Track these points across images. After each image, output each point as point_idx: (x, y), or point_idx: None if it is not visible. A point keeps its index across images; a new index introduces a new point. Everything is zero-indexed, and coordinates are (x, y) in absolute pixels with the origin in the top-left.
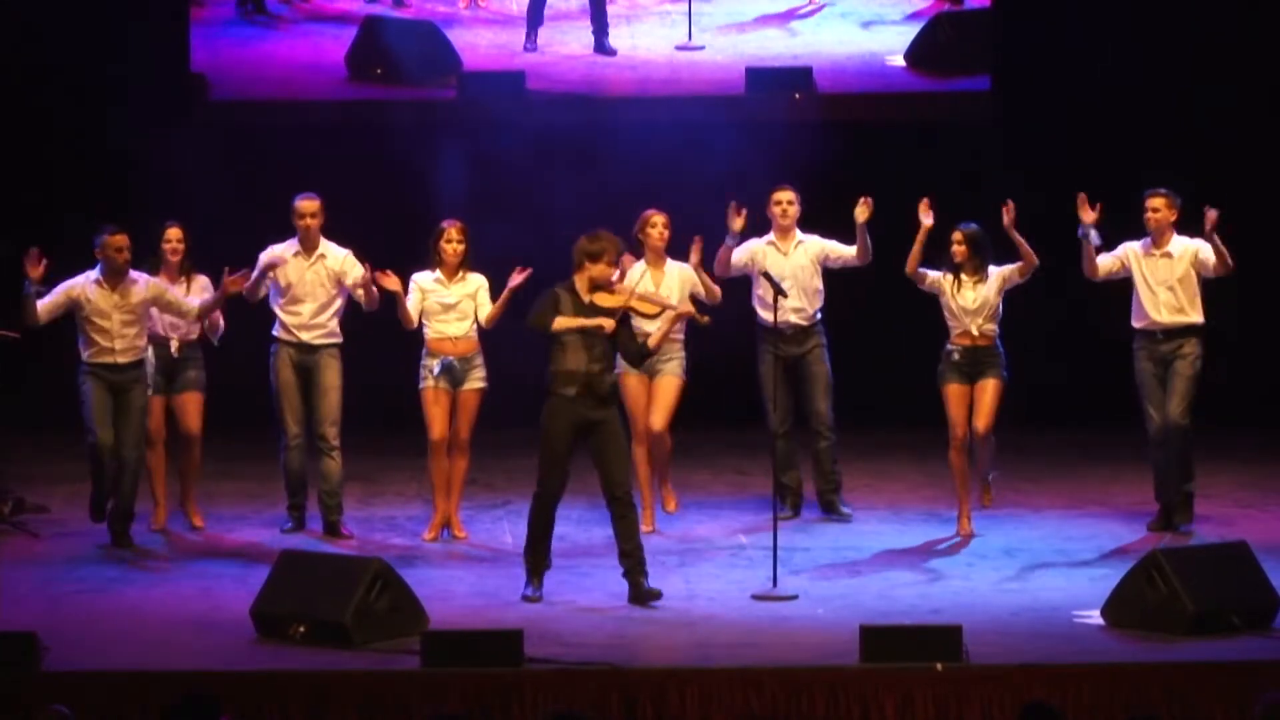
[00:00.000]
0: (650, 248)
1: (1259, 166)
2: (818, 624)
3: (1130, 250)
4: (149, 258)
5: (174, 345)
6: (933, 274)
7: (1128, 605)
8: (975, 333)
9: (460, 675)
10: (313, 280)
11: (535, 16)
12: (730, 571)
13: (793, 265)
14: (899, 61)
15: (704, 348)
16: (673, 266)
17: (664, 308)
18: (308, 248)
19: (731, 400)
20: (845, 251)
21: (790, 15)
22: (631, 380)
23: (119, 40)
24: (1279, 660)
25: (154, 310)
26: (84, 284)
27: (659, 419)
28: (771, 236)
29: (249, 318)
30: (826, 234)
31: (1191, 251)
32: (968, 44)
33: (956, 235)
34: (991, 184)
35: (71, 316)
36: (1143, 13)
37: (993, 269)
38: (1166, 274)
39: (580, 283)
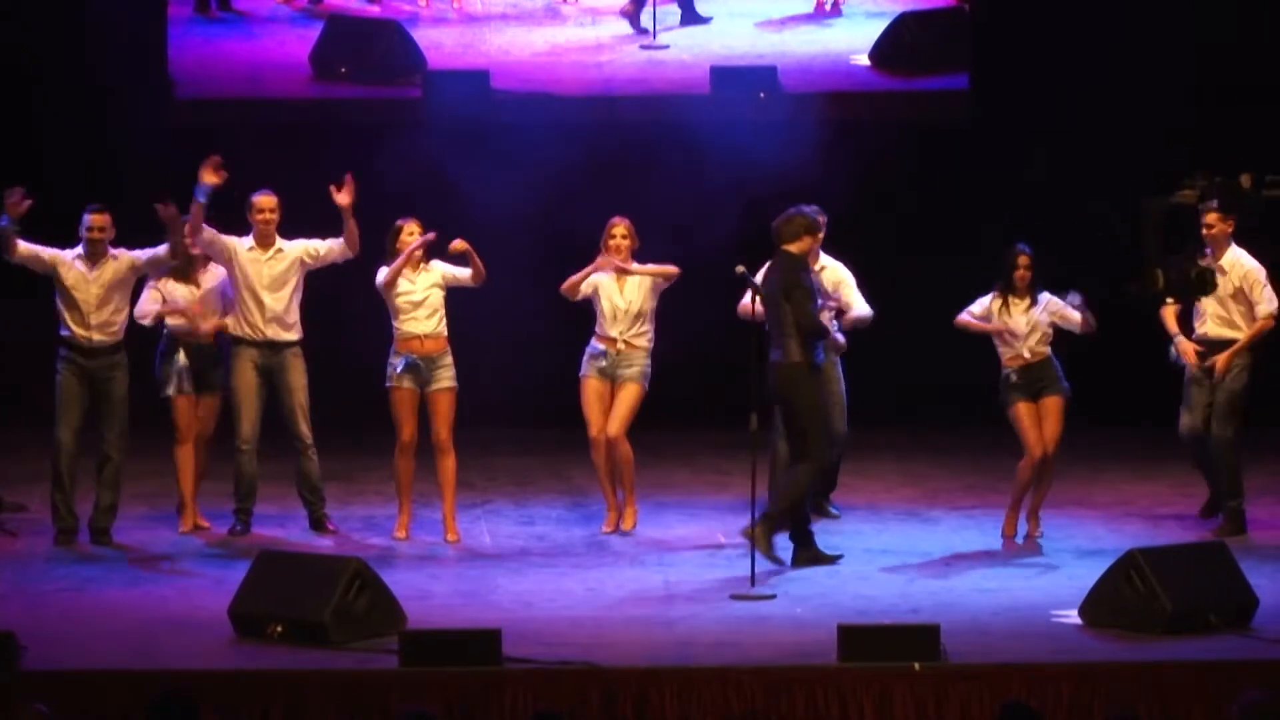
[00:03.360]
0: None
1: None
2: (796, 623)
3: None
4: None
5: (206, 334)
6: (979, 310)
7: (1106, 605)
8: (1028, 355)
9: (439, 675)
10: (271, 275)
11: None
12: (709, 571)
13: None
14: (864, 61)
15: (690, 346)
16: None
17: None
18: (264, 244)
19: (712, 400)
20: (851, 306)
21: (758, 13)
22: (593, 383)
23: (96, 37)
24: (1257, 660)
25: (176, 298)
26: (67, 257)
27: (616, 425)
28: None
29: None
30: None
31: (1242, 273)
32: (933, 43)
33: (1023, 259)
34: (968, 183)
35: (52, 313)
36: (1132, 9)
37: (1045, 295)
38: (1219, 288)
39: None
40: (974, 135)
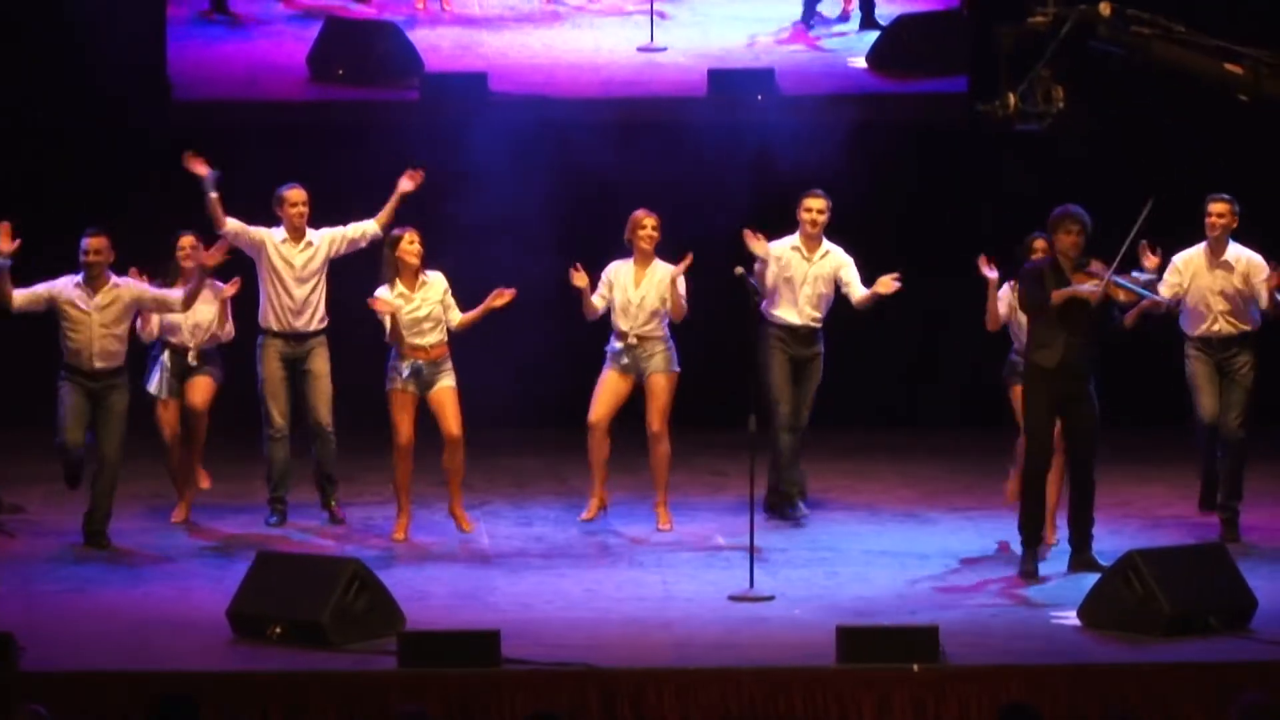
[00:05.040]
0: (640, 250)
1: (1249, 167)
2: (795, 624)
3: (1186, 259)
4: (165, 264)
5: (191, 355)
6: (1003, 309)
7: (1105, 606)
8: None
9: (437, 676)
10: (301, 267)
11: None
12: (707, 572)
13: (814, 273)
14: (861, 63)
15: (688, 347)
16: (657, 267)
17: (1140, 295)
18: (296, 237)
19: (709, 400)
20: (853, 289)
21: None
22: (611, 374)
23: (94, 40)
24: (1255, 661)
25: (170, 318)
26: (66, 286)
27: (657, 419)
28: (797, 241)
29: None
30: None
31: (1247, 263)
32: (931, 46)
33: (1039, 243)
34: (965, 185)
35: (52, 315)
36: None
37: None
38: (1224, 282)
39: (1062, 260)
40: (973, 137)
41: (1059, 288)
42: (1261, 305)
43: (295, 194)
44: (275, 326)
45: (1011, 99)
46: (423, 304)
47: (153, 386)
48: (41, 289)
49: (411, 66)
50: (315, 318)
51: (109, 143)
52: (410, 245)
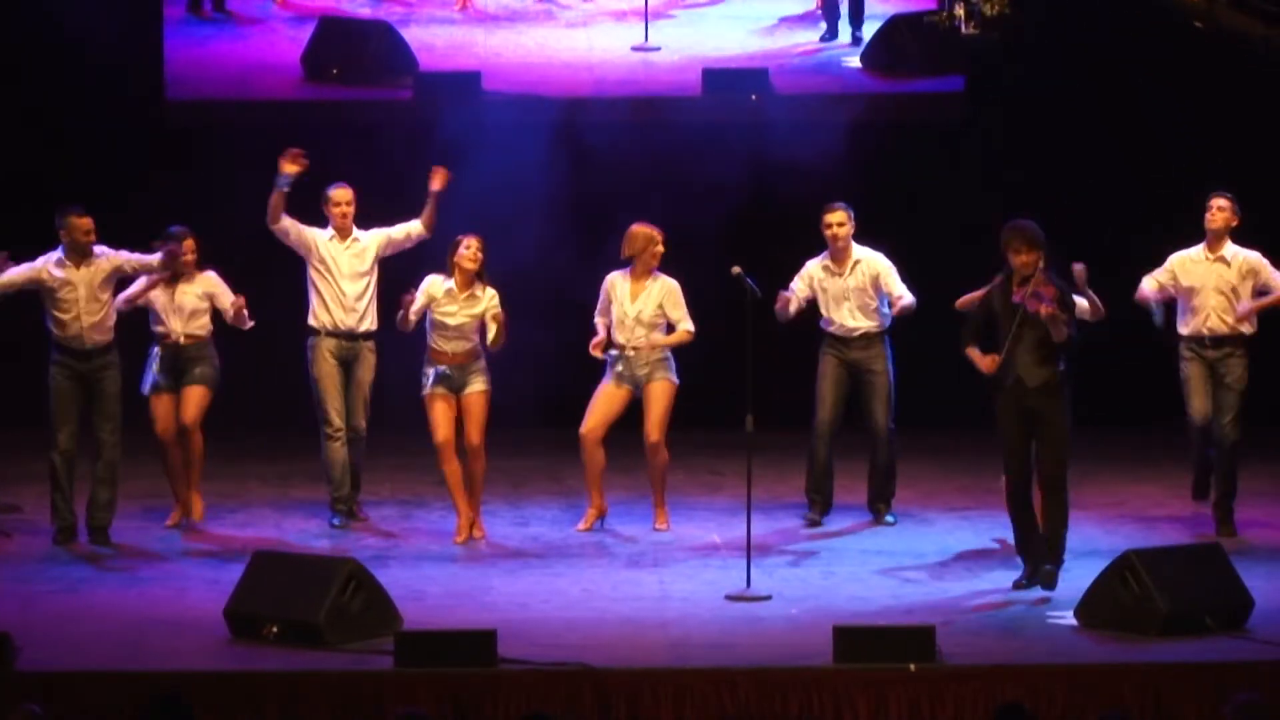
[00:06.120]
0: (644, 265)
1: (1244, 168)
2: (791, 624)
3: (1181, 258)
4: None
5: (180, 338)
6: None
7: (1101, 606)
8: None
9: (433, 676)
10: (350, 266)
11: (832, 8)
12: (704, 572)
13: (851, 285)
14: (856, 63)
15: (685, 347)
16: (657, 280)
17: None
18: (342, 235)
19: (706, 401)
20: (895, 294)
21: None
22: (607, 386)
23: (90, 38)
24: (1251, 661)
25: (155, 307)
26: (46, 264)
27: (654, 429)
28: (826, 259)
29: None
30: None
31: (1244, 261)
32: (925, 45)
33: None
34: (961, 184)
35: (38, 301)
36: (1123, 9)
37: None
38: (1220, 280)
39: (1016, 278)
40: (969, 136)
41: (1006, 304)
42: (1237, 306)
43: (339, 193)
44: (326, 326)
45: (960, 8)
46: (460, 314)
47: (145, 388)
48: (20, 272)
49: (405, 66)
50: (366, 318)
51: (104, 141)
52: (467, 251)
